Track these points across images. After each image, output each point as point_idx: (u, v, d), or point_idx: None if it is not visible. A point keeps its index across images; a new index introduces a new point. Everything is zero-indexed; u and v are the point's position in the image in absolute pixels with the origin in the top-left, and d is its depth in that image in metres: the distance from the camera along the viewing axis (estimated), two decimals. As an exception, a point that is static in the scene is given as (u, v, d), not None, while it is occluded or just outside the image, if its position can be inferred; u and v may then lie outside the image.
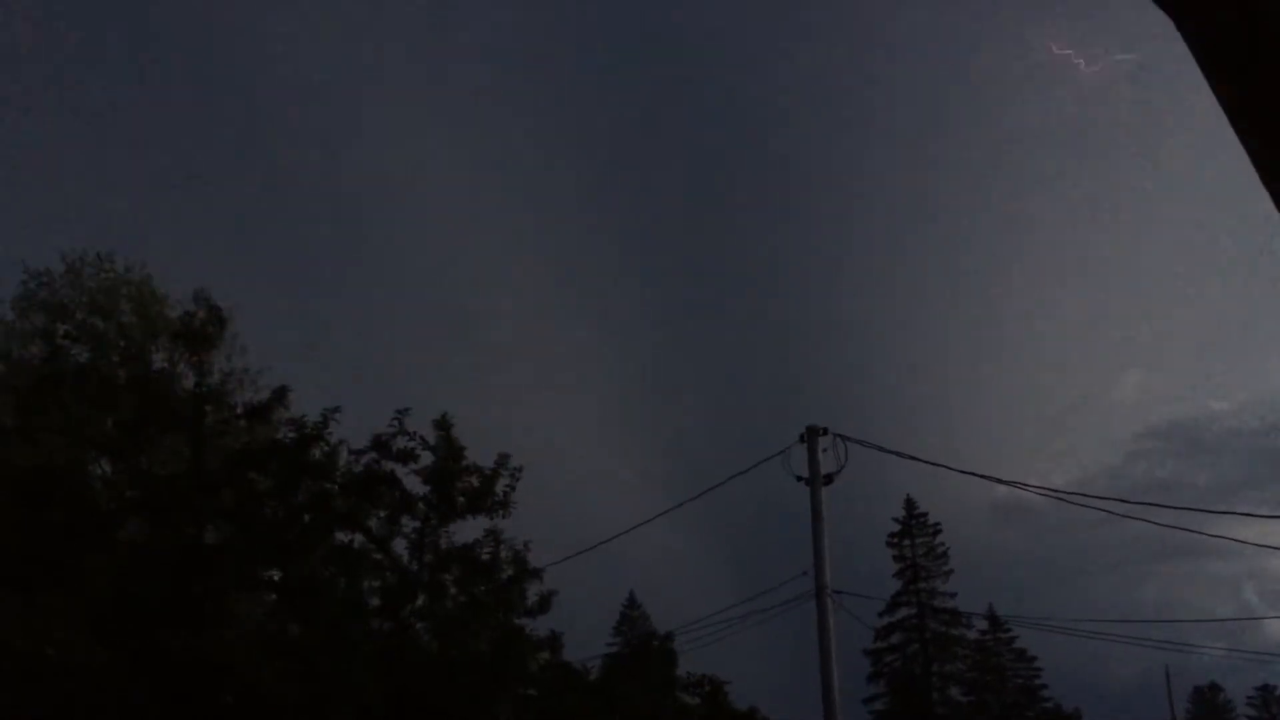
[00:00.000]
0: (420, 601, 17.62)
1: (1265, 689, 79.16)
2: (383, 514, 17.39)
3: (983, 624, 63.71)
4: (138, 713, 13.49)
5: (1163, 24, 2.20)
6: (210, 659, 13.79)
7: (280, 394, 16.88)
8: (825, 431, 19.89)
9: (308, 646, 15.54)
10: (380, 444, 17.31)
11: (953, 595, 62.51)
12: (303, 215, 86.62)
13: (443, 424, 17.82)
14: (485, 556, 17.89)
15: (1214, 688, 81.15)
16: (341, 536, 17.14)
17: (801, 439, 19.95)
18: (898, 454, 20.77)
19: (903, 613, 62.54)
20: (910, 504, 63.66)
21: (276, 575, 17.04)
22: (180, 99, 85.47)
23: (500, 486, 17.98)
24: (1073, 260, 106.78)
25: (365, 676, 15.19)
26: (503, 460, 18.16)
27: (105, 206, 63.01)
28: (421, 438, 17.54)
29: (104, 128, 75.18)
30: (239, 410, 17.65)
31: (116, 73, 77.06)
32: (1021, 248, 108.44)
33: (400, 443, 17.41)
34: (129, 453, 16.48)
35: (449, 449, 17.74)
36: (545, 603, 18.42)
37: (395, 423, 17.40)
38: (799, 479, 19.81)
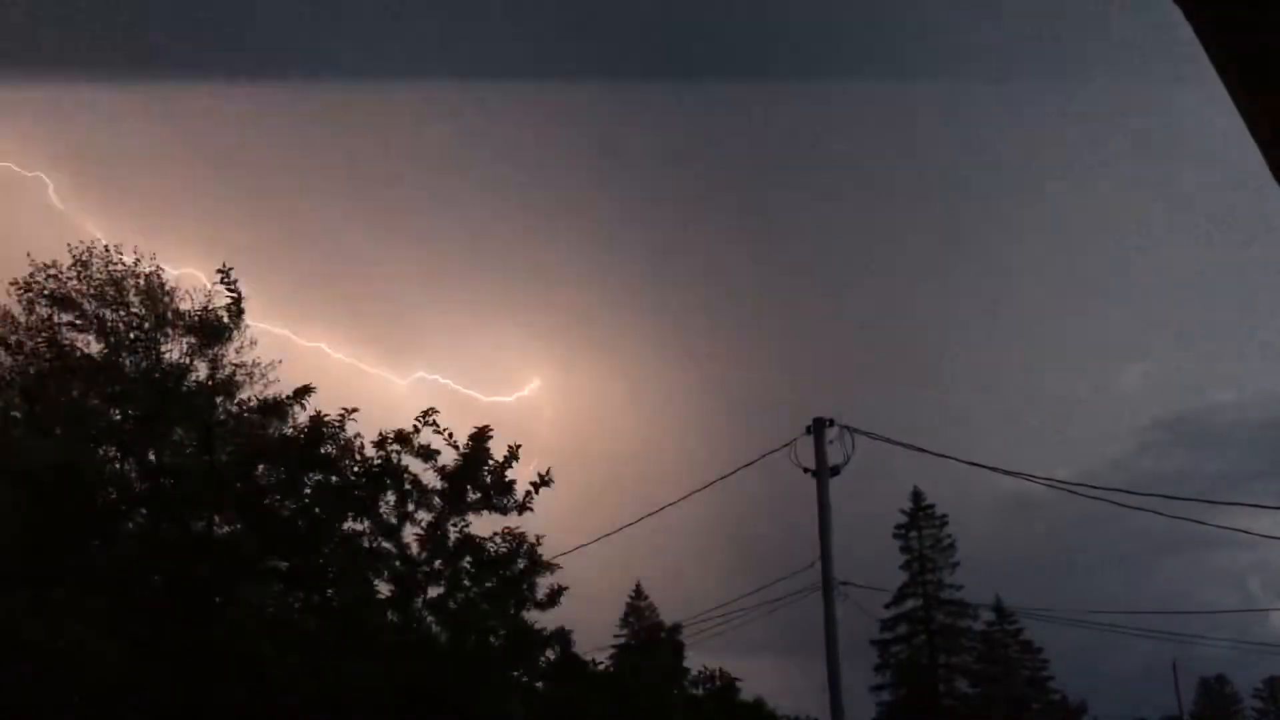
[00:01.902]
0: (433, 593, 17.66)
1: (1272, 681, 79.15)
2: (392, 501, 17.42)
3: (989, 615, 63.81)
4: (150, 705, 13.58)
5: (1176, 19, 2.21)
6: (221, 651, 13.86)
7: (301, 393, 16.90)
8: (832, 423, 19.91)
9: (320, 639, 15.60)
10: (402, 438, 17.34)
11: (959, 587, 62.57)
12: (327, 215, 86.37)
13: (481, 435, 17.82)
14: (501, 550, 17.91)
15: (1220, 679, 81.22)
16: (353, 526, 17.19)
17: (808, 430, 19.98)
18: (904, 445, 20.83)
19: (909, 604, 62.61)
20: (917, 495, 63.69)
21: (285, 566, 17.08)
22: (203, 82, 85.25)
23: (521, 491, 17.99)
24: (1078, 253, 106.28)
25: (379, 669, 15.25)
26: (544, 478, 18.15)
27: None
28: (449, 434, 17.55)
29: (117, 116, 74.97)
30: (253, 403, 17.69)
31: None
32: (1025, 241, 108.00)
33: (425, 438, 17.43)
34: (139, 445, 16.55)
35: (478, 454, 17.71)
36: (555, 597, 18.46)
37: (419, 421, 17.42)
38: (806, 470, 19.85)
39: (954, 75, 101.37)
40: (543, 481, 18.04)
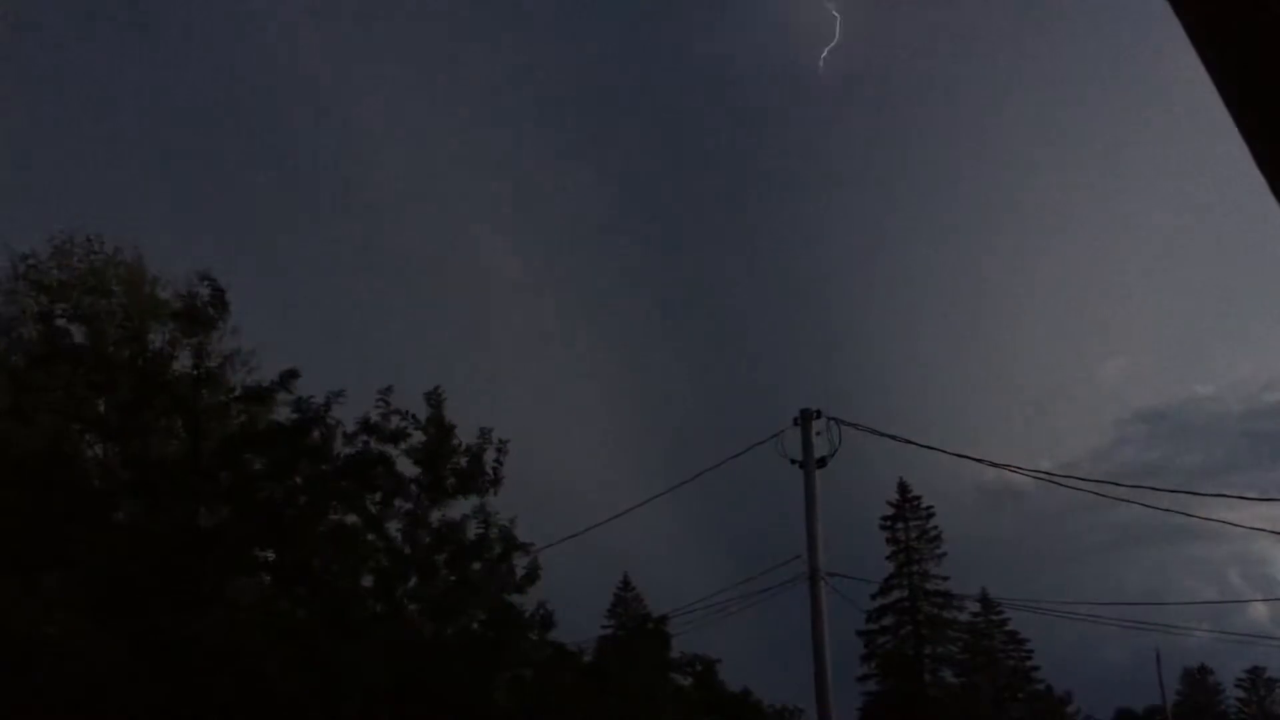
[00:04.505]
0: (413, 582, 17.67)
1: (1255, 670, 79.79)
2: (377, 496, 17.41)
3: (975, 606, 64.11)
4: (138, 695, 13.52)
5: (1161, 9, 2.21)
6: (209, 642, 13.81)
7: (287, 377, 16.80)
8: (819, 414, 19.91)
9: (310, 631, 15.57)
10: (372, 426, 17.32)
11: (945, 578, 62.83)
12: (300, 201, 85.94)
13: (434, 399, 17.77)
14: (475, 535, 17.95)
15: (1203, 670, 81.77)
16: (337, 519, 17.16)
17: (796, 422, 19.98)
18: (891, 437, 20.83)
19: (895, 595, 62.84)
20: (903, 487, 63.93)
21: (271, 557, 17.04)
22: (171, 79, 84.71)
23: (488, 462, 18.01)
24: (1056, 245, 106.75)
25: (372, 661, 15.22)
26: (485, 433, 18.17)
27: (94, 189, 62.55)
28: (413, 416, 17.53)
29: (93, 108, 74.53)
30: (237, 392, 17.61)
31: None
32: (1004, 234, 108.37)
33: (392, 422, 17.42)
34: (125, 434, 16.46)
35: (439, 427, 17.75)
36: (533, 575, 18.46)
37: (382, 402, 17.39)
38: (793, 462, 19.86)
39: (940, 88, 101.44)
40: (501, 450, 18.11)
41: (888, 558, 63.25)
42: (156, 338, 18.78)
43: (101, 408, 17.03)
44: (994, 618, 64.91)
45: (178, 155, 79.76)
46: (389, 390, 17.50)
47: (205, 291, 16.59)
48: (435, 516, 17.88)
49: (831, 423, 19.82)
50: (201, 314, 16.51)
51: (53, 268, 21.59)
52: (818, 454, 19.73)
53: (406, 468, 17.65)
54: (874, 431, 20.37)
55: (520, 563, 18.42)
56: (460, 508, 18.06)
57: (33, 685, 12.62)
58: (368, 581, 17.47)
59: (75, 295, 20.76)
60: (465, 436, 18.15)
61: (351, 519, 17.23)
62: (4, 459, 15.17)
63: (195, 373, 16.43)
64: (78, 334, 18.30)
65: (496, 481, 17.99)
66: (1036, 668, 66.24)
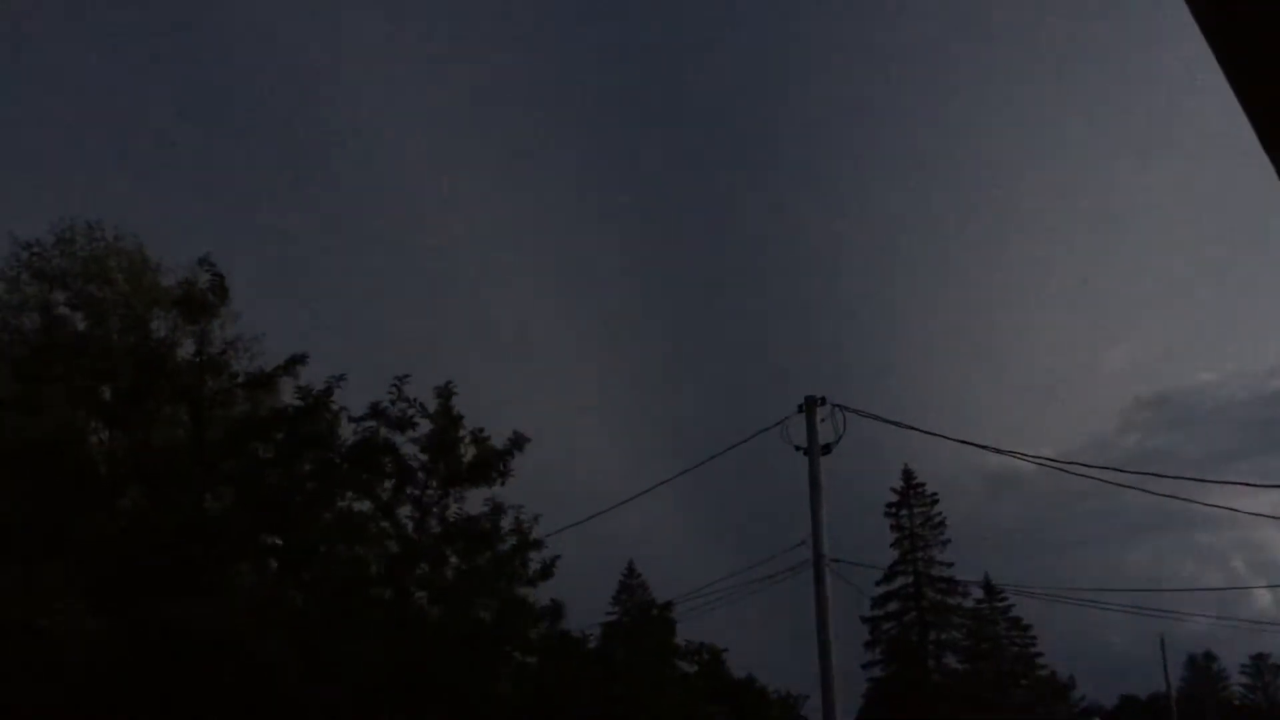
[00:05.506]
0: (422, 570, 17.70)
1: (1259, 657, 79.88)
2: (387, 483, 17.44)
3: (979, 592, 64.15)
4: (135, 682, 13.54)
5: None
6: (210, 629, 13.82)
7: (292, 363, 16.80)
8: (824, 401, 19.88)
9: (310, 617, 15.58)
10: (379, 412, 17.33)
11: (949, 564, 62.89)
12: (291, 187, 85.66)
13: (444, 393, 17.83)
14: (486, 525, 17.97)
15: (1208, 656, 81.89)
16: (343, 504, 17.18)
17: (800, 409, 19.96)
18: (896, 424, 20.76)
19: (900, 581, 62.90)
20: (908, 474, 63.92)
21: (278, 542, 17.06)
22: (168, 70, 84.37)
23: (501, 455, 18.04)
24: (1061, 234, 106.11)
25: (370, 647, 15.24)
26: (519, 439, 18.23)
27: (87, 178, 62.28)
28: (421, 404, 17.56)
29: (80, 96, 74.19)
30: (240, 379, 17.62)
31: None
32: (1011, 222, 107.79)
33: (399, 410, 17.43)
34: (129, 422, 16.47)
35: (448, 418, 17.77)
36: (548, 570, 18.49)
37: (394, 389, 17.41)
38: (798, 449, 19.84)
39: (942, 75, 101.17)
40: (515, 443, 18.09)
41: (892, 544, 63.36)
42: (159, 325, 18.79)
43: (106, 395, 17.02)
44: (998, 604, 64.98)
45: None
46: (405, 378, 17.52)
47: (205, 277, 16.58)
48: (450, 508, 17.96)
49: (836, 409, 19.81)
50: (202, 300, 16.50)
51: (56, 255, 21.54)
52: (822, 441, 19.71)
53: (414, 455, 17.71)
54: (878, 418, 20.33)
55: (536, 557, 18.48)
56: (473, 497, 18.14)
57: (34, 673, 12.65)
58: (375, 567, 17.52)
59: (78, 284, 20.71)
60: (474, 428, 18.23)
61: (361, 505, 17.27)
62: (7, 448, 15.17)
63: (198, 359, 16.43)
64: (80, 322, 18.28)
65: (505, 473, 18.01)
66: (1040, 654, 66.33)
